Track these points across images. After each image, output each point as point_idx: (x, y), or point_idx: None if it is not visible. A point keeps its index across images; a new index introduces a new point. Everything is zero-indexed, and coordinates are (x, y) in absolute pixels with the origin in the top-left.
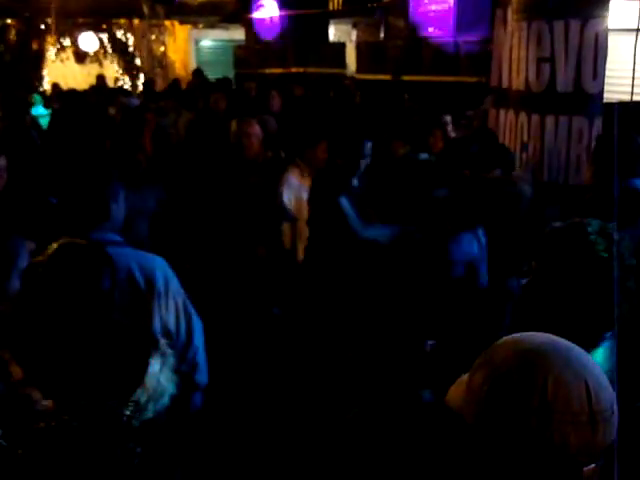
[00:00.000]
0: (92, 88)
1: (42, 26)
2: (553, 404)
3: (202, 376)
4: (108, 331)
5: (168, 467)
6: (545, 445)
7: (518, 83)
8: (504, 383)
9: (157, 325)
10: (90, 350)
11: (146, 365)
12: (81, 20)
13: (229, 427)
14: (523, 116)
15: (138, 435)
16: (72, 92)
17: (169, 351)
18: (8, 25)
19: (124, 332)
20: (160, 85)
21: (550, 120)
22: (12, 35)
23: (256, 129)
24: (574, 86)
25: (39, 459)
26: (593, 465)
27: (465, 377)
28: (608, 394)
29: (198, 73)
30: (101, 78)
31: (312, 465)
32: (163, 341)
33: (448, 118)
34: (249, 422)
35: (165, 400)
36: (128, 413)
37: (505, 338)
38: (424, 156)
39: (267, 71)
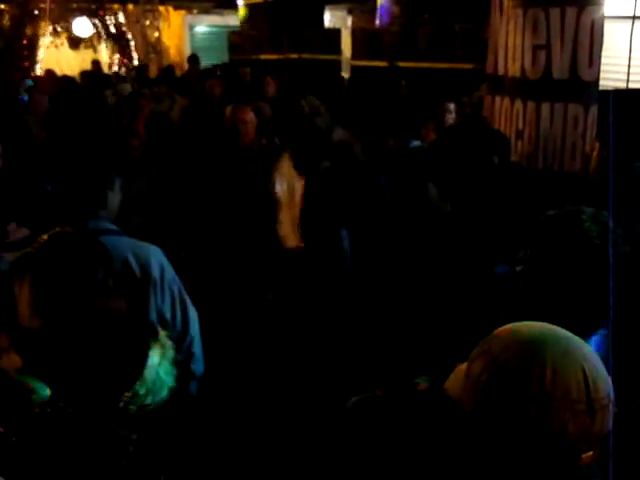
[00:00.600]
0: (84, 73)
1: (36, 11)
2: (551, 392)
3: (198, 365)
4: (104, 320)
5: (164, 454)
6: (544, 433)
7: (514, 70)
8: (503, 372)
9: (153, 314)
10: (87, 340)
11: (145, 357)
12: (75, 5)
13: (224, 416)
14: (519, 103)
15: (134, 422)
16: (66, 78)
17: (169, 343)
18: (2, 10)
19: (121, 321)
20: (154, 71)
21: (546, 107)
22: (5, 20)
23: (250, 116)
24: (570, 73)
25: (33, 446)
26: (591, 453)
27: (463, 366)
28: (605, 382)
29: (193, 59)
30: (96, 63)
31: (309, 454)
32: (163, 332)
33: (452, 106)
34: (245, 410)
35: (164, 393)
36: (124, 400)
37: (503, 327)
38: (415, 144)
39: (262, 57)
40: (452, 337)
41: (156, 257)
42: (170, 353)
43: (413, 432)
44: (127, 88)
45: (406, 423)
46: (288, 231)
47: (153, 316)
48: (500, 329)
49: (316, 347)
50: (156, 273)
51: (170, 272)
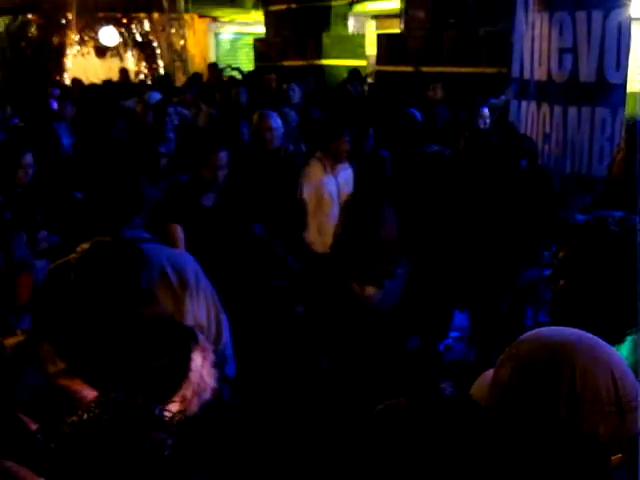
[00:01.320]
0: (107, 82)
1: (63, 21)
2: (582, 395)
3: (230, 369)
4: (148, 327)
5: (199, 459)
6: (575, 435)
7: (540, 74)
8: (532, 376)
9: (190, 320)
10: (131, 347)
11: (188, 360)
12: (101, 14)
13: (253, 420)
14: (545, 107)
15: (169, 427)
16: (94, 86)
17: (208, 346)
18: (29, 20)
19: (163, 327)
20: (180, 79)
21: (573, 111)
22: (33, 30)
23: (277, 122)
24: (597, 76)
25: (70, 453)
26: (620, 455)
27: (489, 372)
28: (634, 385)
29: (213, 67)
30: (124, 72)
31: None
32: (202, 336)
33: (485, 111)
34: (271, 416)
35: (208, 394)
36: (160, 406)
37: (530, 333)
38: (435, 148)
39: (286, 63)
40: (479, 341)
41: (190, 264)
42: (210, 356)
43: (441, 438)
44: (155, 96)
45: (434, 429)
46: (315, 237)
47: (190, 321)
48: (527, 334)
49: (341, 355)
50: (192, 279)
51: (204, 278)
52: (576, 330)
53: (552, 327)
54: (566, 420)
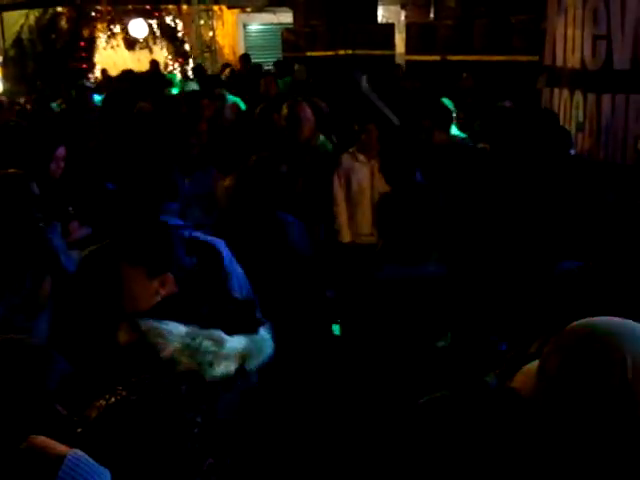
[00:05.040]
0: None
1: (92, 13)
2: (634, 382)
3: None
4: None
5: (227, 436)
6: (627, 424)
7: (573, 61)
8: (583, 366)
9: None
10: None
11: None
12: (131, 7)
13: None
14: (578, 95)
15: (198, 405)
16: (127, 74)
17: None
18: (59, 13)
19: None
20: (209, 70)
21: (607, 99)
22: (63, 23)
23: (308, 112)
24: (631, 64)
25: (99, 436)
26: None
27: (531, 365)
28: None
29: (246, 59)
30: (154, 64)
31: (378, 453)
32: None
33: (507, 103)
34: (301, 404)
35: (266, 355)
36: (186, 384)
37: (575, 324)
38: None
39: (315, 54)
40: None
41: (225, 250)
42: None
43: (486, 430)
44: (192, 86)
45: (479, 421)
46: (344, 227)
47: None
48: (572, 325)
49: (380, 345)
50: (227, 264)
51: (237, 264)
52: (622, 319)
53: (597, 317)
54: (619, 409)
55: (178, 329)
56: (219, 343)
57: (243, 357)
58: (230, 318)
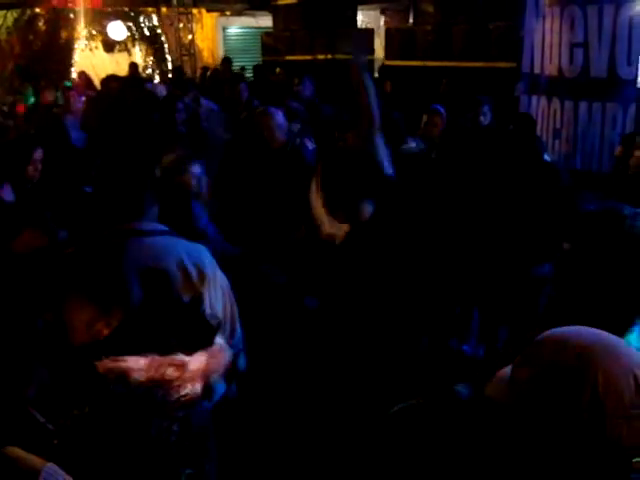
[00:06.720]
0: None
1: (71, 15)
2: (605, 398)
3: (242, 362)
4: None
5: (204, 445)
6: (597, 439)
7: (551, 69)
8: (554, 378)
9: (208, 311)
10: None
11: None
12: (109, 9)
13: (258, 416)
14: (556, 102)
15: (174, 413)
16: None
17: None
18: (37, 14)
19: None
20: (187, 73)
21: (583, 106)
22: (41, 24)
23: (277, 119)
24: (608, 72)
25: (74, 446)
26: None
27: (504, 372)
28: None
29: (227, 61)
30: (134, 66)
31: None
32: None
33: (486, 108)
34: (278, 411)
35: (216, 378)
36: (161, 391)
37: (548, 333)
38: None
39: (294, 58)
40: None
41: (207, 256)
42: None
43: (458, 438)
44: (161, 91)
45: (451, 430)
46: (324, 222)
47: (208, 313)
48: (546, 334)
49: (354, 353)
50: (209, 271)
51: (219, 270)
52: (596, 331)
53: (572, 327)
54: (589, 424)
55: (138, 363)
56: (181, 367)
57: (206, 374)
58: (186, 335)
